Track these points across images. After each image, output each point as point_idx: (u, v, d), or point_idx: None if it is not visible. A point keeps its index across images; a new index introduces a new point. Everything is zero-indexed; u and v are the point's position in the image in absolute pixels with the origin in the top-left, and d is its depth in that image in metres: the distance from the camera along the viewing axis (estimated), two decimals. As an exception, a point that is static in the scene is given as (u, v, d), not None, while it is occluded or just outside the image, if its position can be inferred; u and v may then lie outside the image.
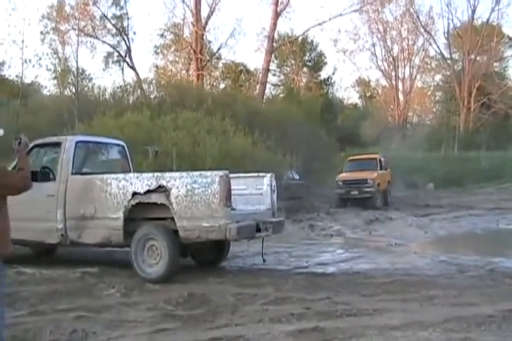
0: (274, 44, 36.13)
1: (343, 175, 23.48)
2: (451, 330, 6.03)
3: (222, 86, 42.17)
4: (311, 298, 7.48)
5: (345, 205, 22.03)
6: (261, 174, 9.98)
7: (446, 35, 43.87)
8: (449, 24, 43.17)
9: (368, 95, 53.83)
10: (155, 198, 8.65)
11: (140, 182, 8.81)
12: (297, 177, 22.85)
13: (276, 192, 9.88)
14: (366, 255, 11.80)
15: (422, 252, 12.62)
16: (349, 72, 52.25)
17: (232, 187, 8.47)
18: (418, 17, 44.55)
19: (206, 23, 35.05)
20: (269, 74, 38.27)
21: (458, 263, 10.63)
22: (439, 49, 44.81)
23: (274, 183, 9.87)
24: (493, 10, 41.44)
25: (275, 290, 8.00)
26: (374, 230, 16.11)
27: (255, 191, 9.79)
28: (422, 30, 44.93)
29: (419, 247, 13.90)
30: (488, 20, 42.05)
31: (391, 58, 48.43)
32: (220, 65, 41.90)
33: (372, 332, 5.94)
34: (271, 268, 9.93)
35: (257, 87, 35.92)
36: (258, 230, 8.90)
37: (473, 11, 41.79)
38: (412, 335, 5.87)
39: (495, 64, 45.47)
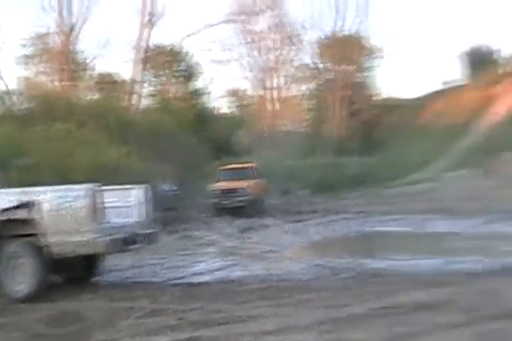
0: (147, 54, 35.78)
1: (217, 185, 23.56)
2: (326, 332, 6.17)
3: (94, 97, 41.26)
4: (186, 309, 7.44)
5: (221, 214, 22.06)
6: (134, 186, 9.82)
7: (316, 45, 45.17)
8: (317, 35, 44.38)
9: (240, 104, 54.43)
10: (22, 214, 8.33)
11: (6, 197, 8.45)
12: (173, 188, 22.66)
13: (150, 203, 9.76)
14: (241, 263, 11.88)
15: (297, 257, 12.87)
16: (222, 82, 52.62)
17: (104, 200, 8.30)
18: (288, 27, 45.60)
19: (77, 32, 34.20)
20: (143, 85, 37.88)
21: (331, 266, 10.88)
22: (309, 58, 46.06)
23: (148, 194, 9.75)
24: (359, 22, 43.16)
25: (150, 303, 7.90)
26: (249, 238, 16.26)
27: (128, 203, 9.62)
28: (292, 40, 46.02)
29: (294, 253, 14.15)
30: (355, 31, 43.71)
31: (262, 68, 49.21)
32: (92, 75, 40.97)
33: (247, 339, 5.97)
34: (146, 281, 9.80)
35: (130, 97, 35.43)
36: (131, 242, 8.75)
37: (342, 23, 43.28)
38: (286, 339, 5.96)
39: (362, 74, 47.23)
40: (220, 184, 23.62)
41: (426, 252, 13.68)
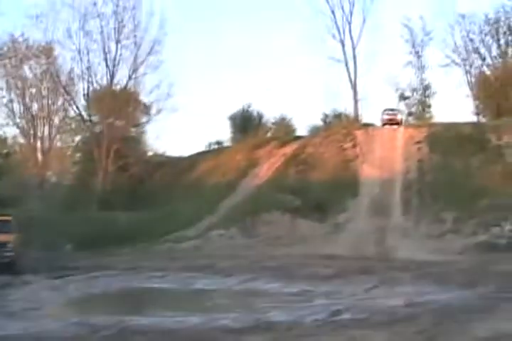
0: None
1: None
2: None
3: None
4: None
5: None
6: None
7: (85, 97, 44.59)
8: (88, 87, 43.79)
9: (4, 152, 51.86)
10: None
11: None
12: None
13: None
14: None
15: (57, 315, 12.35)
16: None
17: None
18: (58, 76, 44.59)
19: None
20: None
21: (91, 323, 10.59)
22: (79, 110, 45.17)
23: None
24: (130, 77, 43.47)
25: None
26: (7, 295, 15.26)
27: None
28: (62, 90, 44.99)
29: (54, 310, 13.56)
30: (126, 86, 43.93)
31: (30, 116, 47.45)
32: None
33: None
34: None
35: None
36: None
37: (112, 77, 43.22)
38: None
39: (132, 129, 47.39)
40: None
41: (188, 309, 13.89)
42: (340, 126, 39.71)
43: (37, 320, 11.49)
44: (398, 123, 37.79)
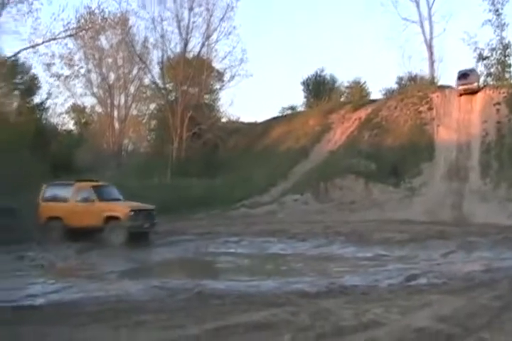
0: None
1: (133, 204, 20.35)
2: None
3: None
4: (17, 333, 7.10)
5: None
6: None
7: (160, 65, 45.12)
8: (163, 55, 44.27)
9: (83, 122, 53.19)
10: None
11: None
12: (12, 206, 20.98)
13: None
14: (78, 284, 11.49)
15: (136, 279, 12.68)
16: (64, 98, 51.04)
17: None
18: (133, 46, 45.24)
19: None
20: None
21: (169, 287, 10.84)
22: (154, 78, 45.89)
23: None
24: (203, 45, 43.70)
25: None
26: (86, 259, 15.80)
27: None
28: (137, 59, 45.65)
29: (133, 274, 13.97)
30: (199, 53, 44.16)
31: (107, 85, 48.50)
32: None
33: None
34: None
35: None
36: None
37: (186, 44, 43.50)
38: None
39: (205, 96, 47.73)
40: (134, 203, 20.45)
41: (264, 273, 14.03)
42: (416, 89, 38.68)
43: (116, 282, 11.88)
44: (476, 92, 35.91)
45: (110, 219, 19.41)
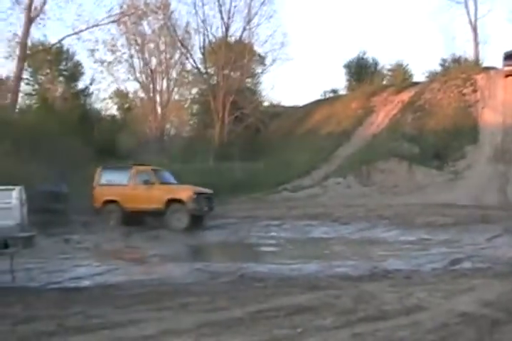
0: (27, 51, 34.55)
1: (193, 188, 20.41)
2: (204, 335, 6.23)
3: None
4: (63, 314, 7.24)
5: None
6: (9, 187, 9.43)
7: (201, 50, 45.25)
8: (204, 40, 44.37)
9: (126, 107, 53.68)
10: None
11: None
12: (62, 189, 21.26)
13: (25, 205, 9.42)
14: (123, 267, 11.69)
15: (178, 261, 12.83)
16: (107, 83, 51.56)
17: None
18: (175, 31, 45.42)
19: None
20: (22, 83, 36.56)
21: (212, 270, 10.96)
22: (195, 63, 46.00)
23: (23, 196, 9.41)
24: (245, 29, 43.66)
25: (24, 309, 7.62)
26: (131, 242, 16.03)
27: (3, 205, 9.24)
28: (179, 44, 45.83)
29: (176, 257, 14.11)
30: (240, 38, 44.19)
31: (149, 70, 48.73)
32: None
33: (126, 344, 5.92)
34: (21, 286, 9.42)
35: (9, 96, 34.08)
36: (6, 246, 8.43)
37: (227, 29, 43.55)
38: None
39: (247, 80, 47.75)
40: (195, 187, 20.57)
41: (306, 257, 14.04)
42: (460, 71, 38.01)
43: (160, 265, 12.04)
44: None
45: (172, 202, 19.47)
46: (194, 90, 51.49)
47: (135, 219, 19.41)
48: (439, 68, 45.91)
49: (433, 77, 42.47)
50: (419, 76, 46.92)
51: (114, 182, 20.46)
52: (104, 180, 20.55)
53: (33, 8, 32.05)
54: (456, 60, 44.99)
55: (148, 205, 19.34)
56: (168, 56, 49.00)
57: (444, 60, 46.30)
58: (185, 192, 19.69)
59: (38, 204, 18.07)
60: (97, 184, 20.45)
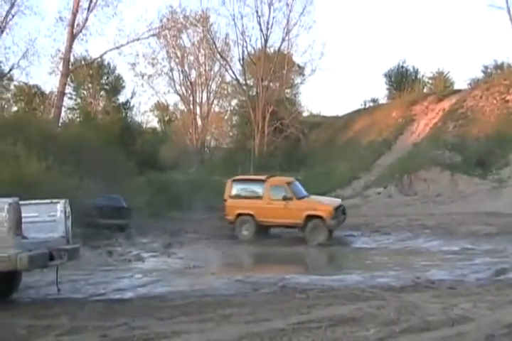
0: (70, 66, 35.18)
1: (331, 203, 19.84)
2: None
3: (14, 109, 40.40)
4: (107, 325, 7.33)
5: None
6: (54, 200, 9.60)
7: (241, 61, 45.53)
8: (243, 51, 44.64)
9: (166, 119, 54.26)
10: None
11: None
12: (121, 204, 21.13)
13: (70, 218, 9.57)
14: (164, 278, 11.78)
15: (219, 273, 12.89)
16: (147, 96, 52.34)
17: (23, 215, 8.09)
18: (215, 43, 45.86)
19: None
20: (65, 98, 37.22)
21: (253, 281, 10.97)
22: (235, 75, 46.31)
23: (68, 209, 9.56)
24: (283, 39, 43.77)
25: (70, 320, 7.73)
26: (173, 253, 16.11)
27: (48, 218, 9.41)
28: (219, 56, 46.24)
29: (217, 268, 14.19)
30: (279, 48, 44.30)
31: (189, 83, 49.25)
32: (12, 86, 40.16)
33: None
34: (66, 298, 9.56)
35: (52, 110, 34.72)
36: (51, 258, 8.57)
37: (266, 40, 43.77)
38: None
39: (286, 90, 47.81)
40: (332, 202, 20.26)
41: (348, 267, 13.97)
42: (502, 77, 37.43)
43: (201, 277, 12.09)
44: None
45: (311, 217, 18.89)
46: (234, 102, 51.90)
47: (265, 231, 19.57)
48: (480, 75, 45.39)
49: (475, 84, 41.94)
50: (460, 83, 46.62)
51: (246, 195, 20.18)
52: (235, 192, 20.22)
53: (75, 24, 32.63)
54: (499, 66, 44.40)
55: (286, 220, 19.04)
56: (207, 68, 49.53)
57: (486, 67, 45.78)
58: (324, 208, 19.02)
59: (96, 220, 18.38)
60: (227, 196, 20.18)
